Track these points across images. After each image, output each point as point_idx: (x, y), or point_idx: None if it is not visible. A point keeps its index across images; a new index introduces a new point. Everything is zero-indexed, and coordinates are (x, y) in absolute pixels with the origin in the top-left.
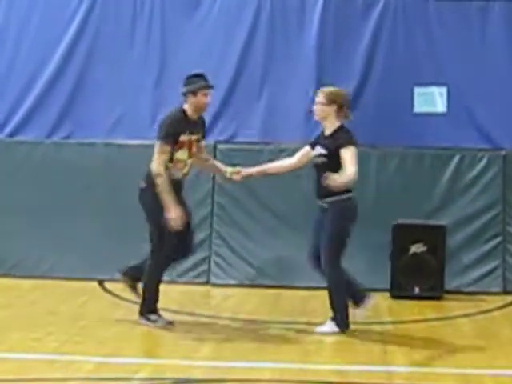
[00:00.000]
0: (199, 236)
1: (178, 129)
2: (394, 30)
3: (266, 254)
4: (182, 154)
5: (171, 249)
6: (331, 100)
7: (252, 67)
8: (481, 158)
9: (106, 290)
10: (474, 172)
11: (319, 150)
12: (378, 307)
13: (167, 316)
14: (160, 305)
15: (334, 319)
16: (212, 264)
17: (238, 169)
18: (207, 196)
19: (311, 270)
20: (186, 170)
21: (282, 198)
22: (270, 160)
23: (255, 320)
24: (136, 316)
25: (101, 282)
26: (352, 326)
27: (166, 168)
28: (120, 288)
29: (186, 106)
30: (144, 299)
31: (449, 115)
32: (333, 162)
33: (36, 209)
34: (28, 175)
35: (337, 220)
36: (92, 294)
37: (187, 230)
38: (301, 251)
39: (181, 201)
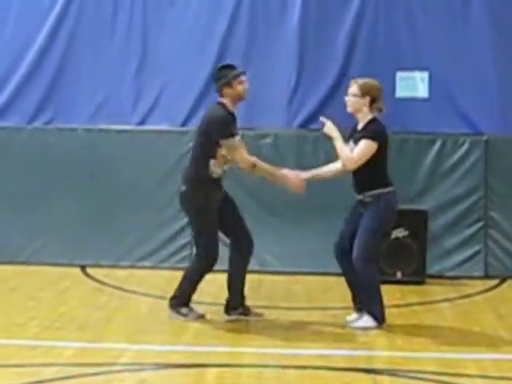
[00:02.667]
0: (181, 222)
1: (232, 124)
2: (376, 14)
3: None
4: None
5: (215, 251)
6: (365, 92)
7: (233, 53)
8: (462, 143)
9: (88, 275)
10: (456, 157)
11: (352, 145)
12: None
13: (148, 301)
14: (142, 290)
15: (370, 313)
16: (194, 249)
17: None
18: None
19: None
20: (226, 167)
21: (268, 187)
22: (253, 145)
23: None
24: (118, 302)
25: (83, 268)
26: (333, 311)
27: (207, 166)
28: (102, 274)
29: (223, 101)
30: (178, 293)
31: (431, 100)
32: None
33: (17, 195)
34: (10, 161)
35: (381, 214)
36: (74, 279)
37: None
38: (284, 238)
39: (224, 198)
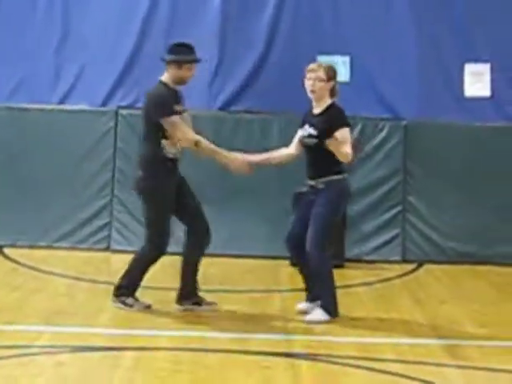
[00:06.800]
0: (100, 202)
1: (172, 102)
2: None
3: None
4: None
5: (167, 240)
6: (330, 76)
7: (155, 34)
8: (382, 128)
9: (4, 255)
10: (376, 141)
11: (309, 130)
12: (279, 275)
13: (66, 282)
14: (59, 271)
15: (322, 306)
16: (113, 230)
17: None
18: (109, 161)
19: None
20: (179, 146)
21: (189, 165)
22: None
23: (153, 287)
24: (35, 283)
25: (0, 248)
26: (251, 294)
27: (160, 146)
28: (19, 254)
29: (165, 78)
30: (122, 282)
31: (351, 84)
32: (324, 144)
33: None
34: None
35: (334, 200)
36: None
37: (193, 209)
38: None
39: (180, 181)
